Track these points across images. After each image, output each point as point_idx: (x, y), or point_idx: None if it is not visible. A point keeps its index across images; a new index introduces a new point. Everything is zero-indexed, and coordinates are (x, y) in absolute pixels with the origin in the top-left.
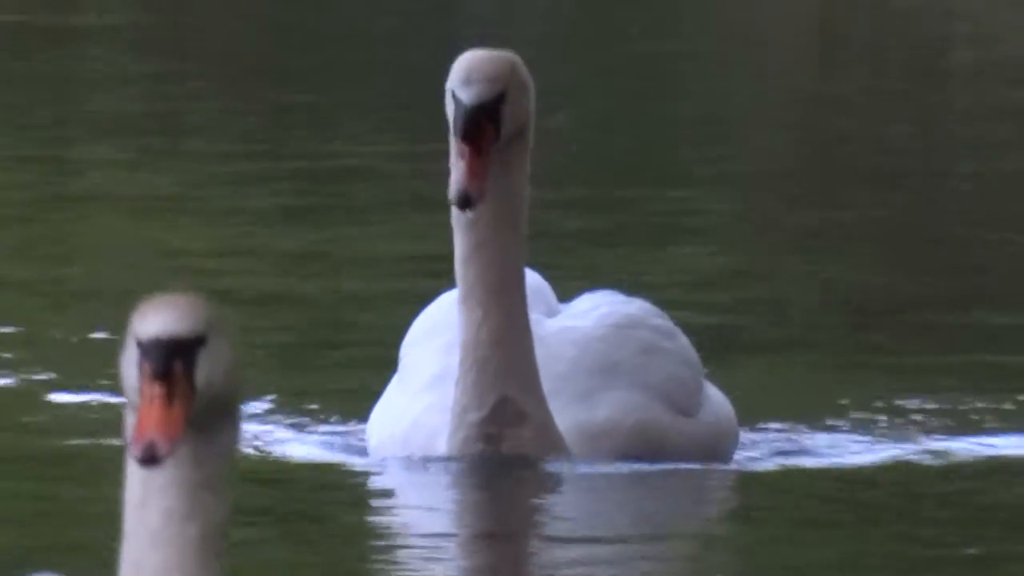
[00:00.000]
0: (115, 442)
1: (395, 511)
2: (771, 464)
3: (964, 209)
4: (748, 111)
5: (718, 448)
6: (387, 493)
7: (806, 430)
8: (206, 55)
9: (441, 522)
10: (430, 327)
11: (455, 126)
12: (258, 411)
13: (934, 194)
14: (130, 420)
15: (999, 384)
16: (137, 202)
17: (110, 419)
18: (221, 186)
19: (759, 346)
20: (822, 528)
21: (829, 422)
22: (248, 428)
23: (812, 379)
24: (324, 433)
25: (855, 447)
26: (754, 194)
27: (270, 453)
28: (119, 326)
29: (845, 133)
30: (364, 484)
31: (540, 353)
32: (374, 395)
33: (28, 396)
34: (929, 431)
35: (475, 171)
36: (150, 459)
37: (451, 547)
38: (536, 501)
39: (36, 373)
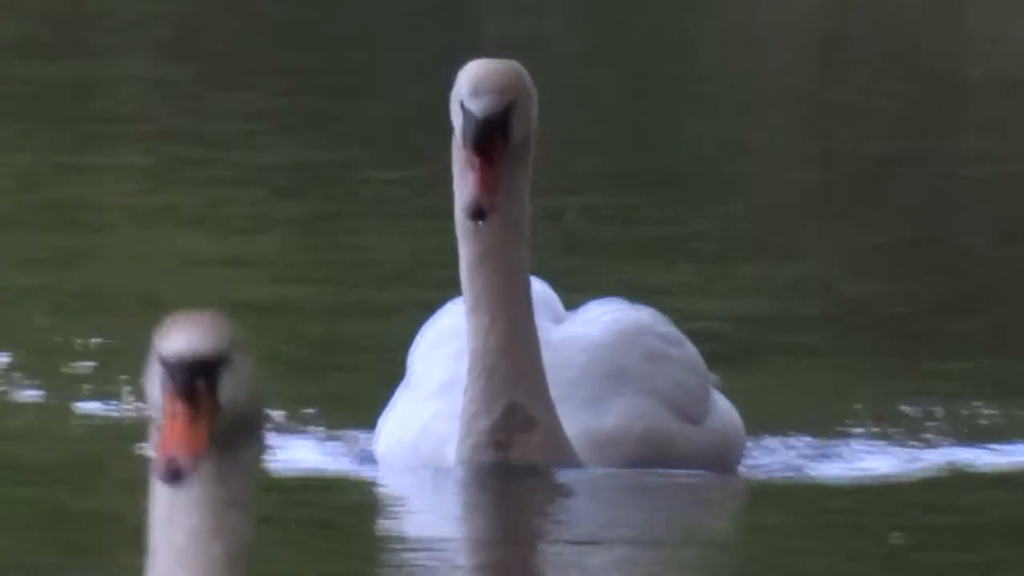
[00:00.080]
0: (132, 450)
1: (402, 519)
2: (779, 472)
3: (973, 213)
4: (753, 117)
5: (725, 455)
6: (395, 501)
7: (814, 438)
8: (216, 59)
9: (448, 529)
10: (438, 335)
11: (465, 137)
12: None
13: (941, 198)
14: (155, 438)
15: (1011, 391)
16: (145, 210)
17: (129, 427)
18: (233, 195)
19: (766, 354)
20: (828, 536)
21: (837, 430)
22: None
23: (820, 387)
24: (330, 441)
25: (862, 455)
26: (759, 197)
27: (276, 461)
28: (122, 334)
29: (851, 137)
30: (371, 492)
31: (548, 360)
32: (381, 403)
33: (41, 404)
34: (939, 439)
35: (487, 182)
36: (173, 477)
37: (458, 555)
38: (543, 508)
39: (47, 381)
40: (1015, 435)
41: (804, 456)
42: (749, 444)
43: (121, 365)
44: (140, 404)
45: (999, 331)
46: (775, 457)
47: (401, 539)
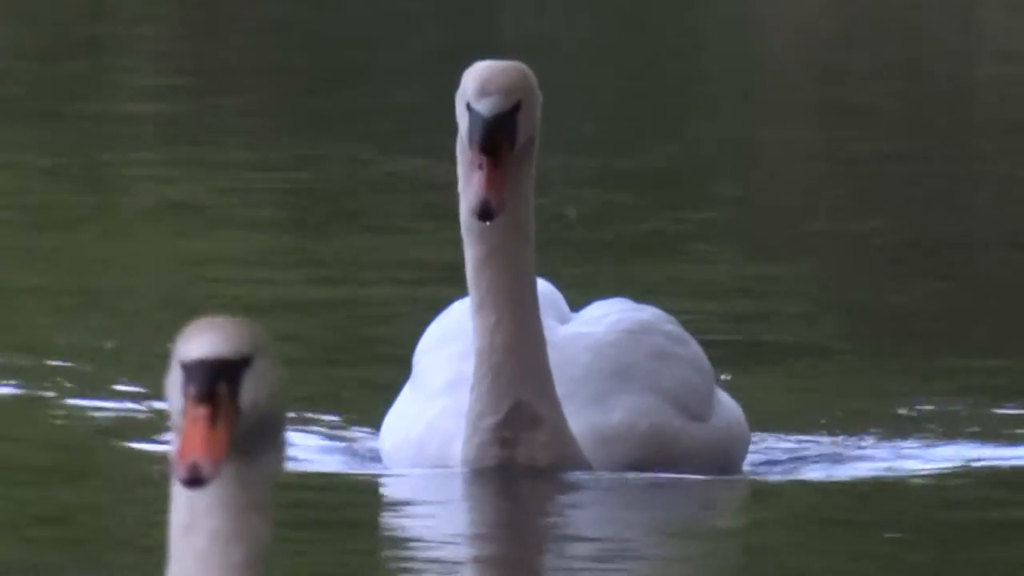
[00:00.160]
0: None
1: (406, 518)
2: (779, 472)
3: (977, 213)
4: (758, 118)
5: (730, 453)
6: (400, 501)
7: (814, 438)
8: (227, 64)
9: (451, 529)
10: (443, 334)
11: (472, 138)
12: None
13: (944, 197)
14: (175, 442)
15: (1013, 391)
16: (155, 210)
17: (130, 426)
18: (234, 195)
19: (767, 353)
20: (828, 536)
21: (838, 430)
22: None
23: (821, 387)
24: (337, 440)
25: (864, 455)
26: (761, 196)
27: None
28: (124, 334)
29: (853, 136)
30: (376, 491)
31: (554, 358)
32: (386, 402)
33: (54, 404)
34: (941, 438)
35: (494, 182)
36: (194, 480)
37: (461, 554)
38: (547, 508)
39: (52, 381)
40: (1018, 434)
41: (804, 455)
42: (756, 445)
43: (123, 365)
44: (141, 403)
45: (1002, 331)
46: (776, 456)
47: (405, 539)
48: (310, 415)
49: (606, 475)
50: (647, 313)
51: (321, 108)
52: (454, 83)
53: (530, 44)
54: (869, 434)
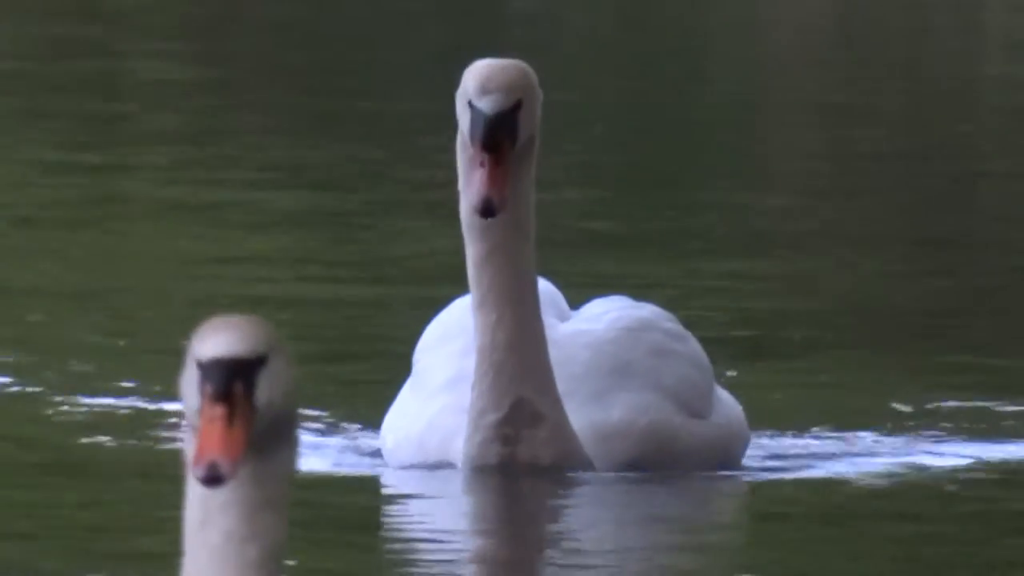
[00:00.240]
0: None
1: (409, 516)
2: (780, 470)
3: (980, 213)
4: (767, 117)
5: (729, 449)
6: (401, 499)
7: (816, 436)
8: (232, 64)
9: (453, 528)
10: (443, 332)
11: (473, 135)
12: None
13: (947, 197)
14: (190, 441)
15: (1016, 389)
16: (156, 209)
17: (130, 426)
18: (235, 194)
19: (769, 351)
20: (829, 535)
21: (840, 427)
22: None
23: (823, 384)
24: (335, 438)
25: (865, 453)
26: (762, 195)
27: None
28: (129, 332)
29: (855, 136)
30: (378, 489)
31: (554, 356)
32: (387, 400)
33: (55, 403)
34: (943, 436)
35: (496, 179)
36: (213, 479)
37: (464, 554)
38: (549, 507)
39: (48, 381)
40: (1020, 432)
41: (806, 453)
42: (751, 441)
43: (124, 364)
44: (142, 403)
45: (1004, 329)
46: (777, 453)
47: (405, 536)
48: (310, 413)
49: (605, 473)
50: (646, 311)
51: (323, 107)
52: (455, 82)
53: (532, 44)
54: (871, 432)
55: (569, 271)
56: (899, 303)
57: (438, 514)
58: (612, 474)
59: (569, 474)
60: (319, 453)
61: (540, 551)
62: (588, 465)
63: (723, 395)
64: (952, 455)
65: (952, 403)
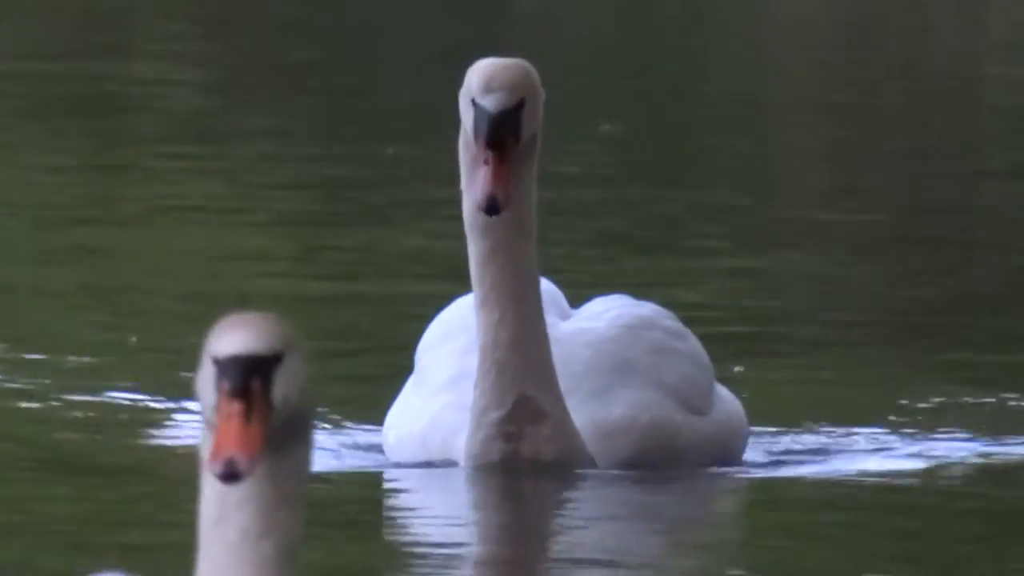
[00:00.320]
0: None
1: (411, 513)
2: (787, 466)
3: (992, 214)
4: (766, 117)
5: (729, 446)
6: (404, 496)
7: (821, 432)
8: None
9: (456, 524)
10: (445, 330)
11: (477, 133)
12: None
13: (948, 196)
14: (207, 438)
15: (1019, 386)
16: (164, 208)
17: (131, 426)
18: (241, 192)
19: (770, 349)
20: (830, 534)
21: (841, 425)
22: None
23: (823, 382)
24: (337, 436)
25: (866, 451)
26: (763, 194)
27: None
28: (135, 330)
29: (857, 136)
30: (380, 486)
31: (556, 354)
32: (389, 398)
33: (56, 402)
34: (945, 434)
35: (500, 177)
36: (231, 476)
37: (466, 550)
38: (551, 504)
39: (49, 381)
40: (1021, 430)
41: (806, 451)
42: (752, 439)
43: (125, 364)
44: (143, 402)
45: (1006, 327)
46: (779, 449)
47: (408, 533)
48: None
49: (607, 470)
50: (647, 309)
51: (324, 107)
52: (457, 82)
53: (533, 44)
54: (872, 429)
55: (569, 270)
56: (899, 302)
57: (440, 511)
58: (613, 471)
59: (571, 471)
60: (321, 450)
61: (542, 548)
62: (590, 462)
63: (722, 392)
64: (953, 453)
65: (953, 401)
